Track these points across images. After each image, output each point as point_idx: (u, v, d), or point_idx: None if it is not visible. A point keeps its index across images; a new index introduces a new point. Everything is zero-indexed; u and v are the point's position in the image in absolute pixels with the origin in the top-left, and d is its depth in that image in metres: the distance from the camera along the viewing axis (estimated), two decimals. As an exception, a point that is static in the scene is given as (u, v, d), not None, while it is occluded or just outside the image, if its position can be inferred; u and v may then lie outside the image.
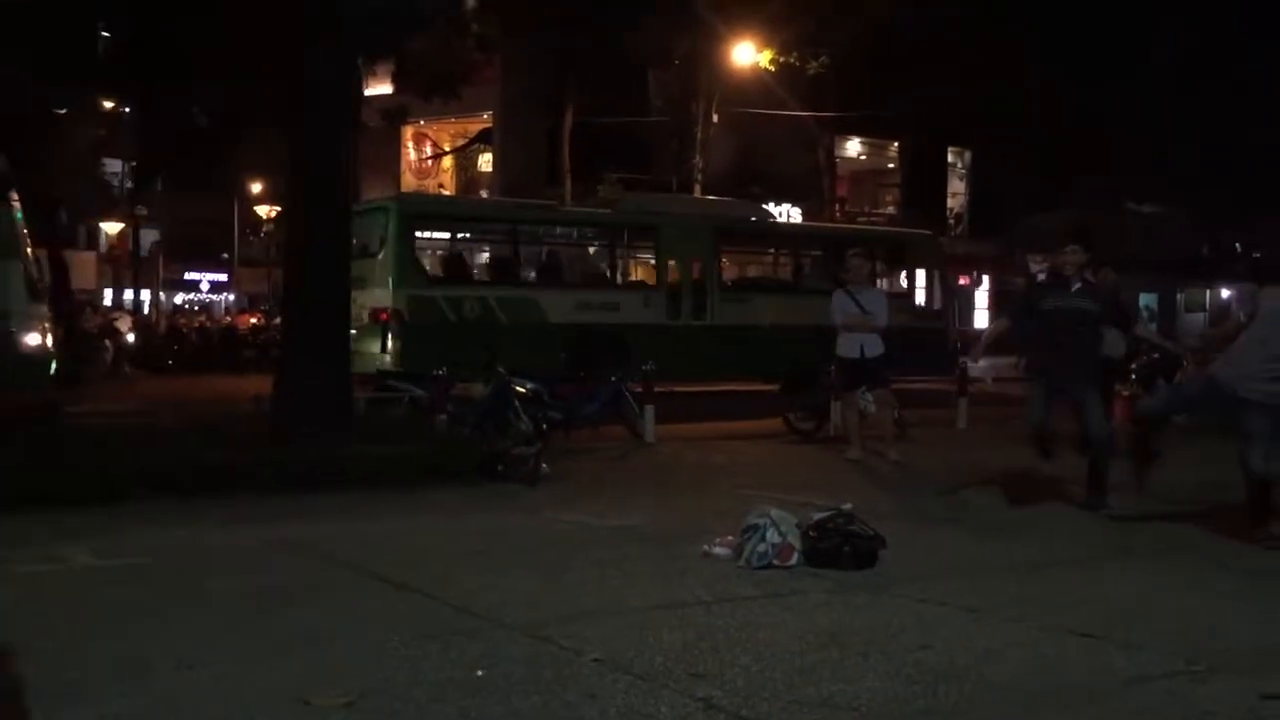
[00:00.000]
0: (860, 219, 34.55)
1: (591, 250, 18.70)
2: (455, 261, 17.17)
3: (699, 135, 26.02)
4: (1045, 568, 6.18)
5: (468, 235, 17.94)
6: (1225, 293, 24.67)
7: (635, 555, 6.29)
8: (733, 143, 27.94)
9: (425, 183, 36.76)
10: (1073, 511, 7.96)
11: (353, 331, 16.04)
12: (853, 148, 35.00)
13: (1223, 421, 7.35)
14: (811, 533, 6.01)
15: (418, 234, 16.47)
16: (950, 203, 36.73)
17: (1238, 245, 28.64)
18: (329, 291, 9.99)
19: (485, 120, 33.25)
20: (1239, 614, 5.15)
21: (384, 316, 15.37)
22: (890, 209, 35.84)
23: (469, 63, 20.07)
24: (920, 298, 20.13)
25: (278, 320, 18.38)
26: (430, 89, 19.10)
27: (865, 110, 27.95)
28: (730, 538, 6.17)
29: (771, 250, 20.09)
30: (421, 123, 33.82)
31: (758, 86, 26.10)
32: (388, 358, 15.09)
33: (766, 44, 24.27)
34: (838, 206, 31.84)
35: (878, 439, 11.01)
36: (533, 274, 17.47)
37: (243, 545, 6.54)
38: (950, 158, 36.29)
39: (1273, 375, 6.79)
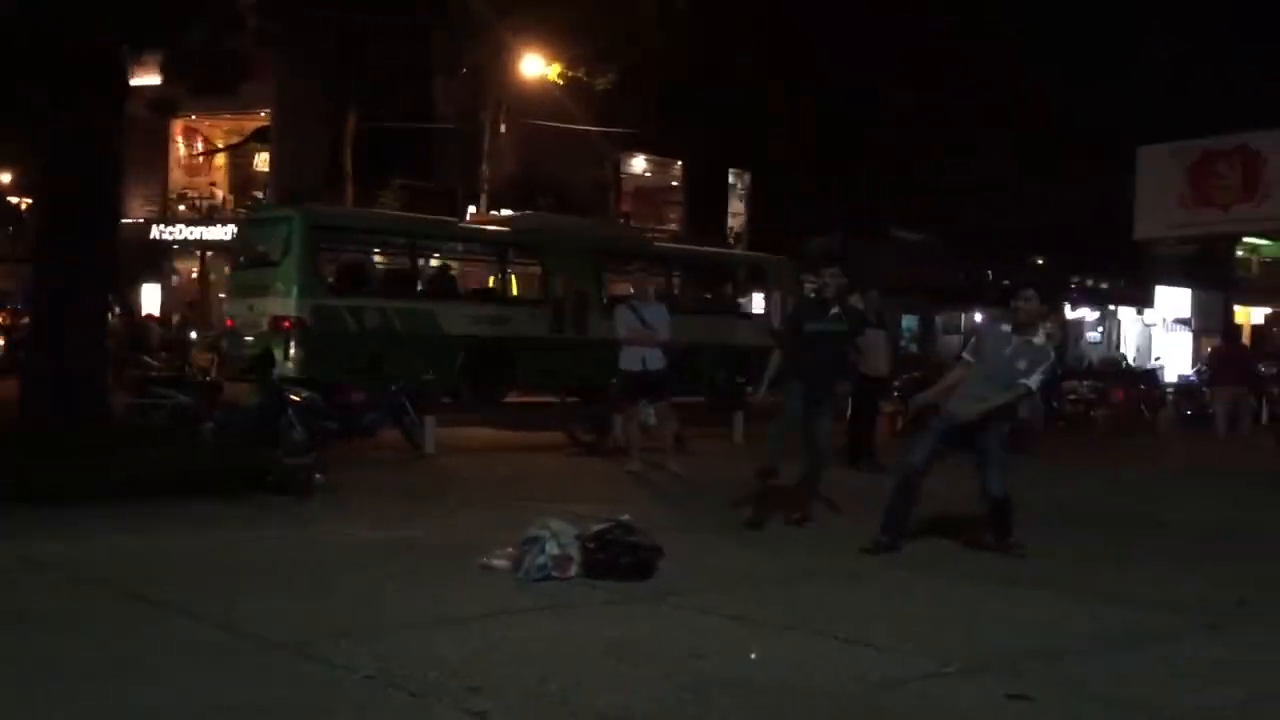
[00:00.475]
0: (645, 235, 35.14)
1: (484, 265, 19.22)
2: (355, 272, 17.31)
3: (486, 145, 25.86)
4: (812, 577, 6.42)
5: (368, 247, 18.19)
6: (978, 316, 26.41)
7: (412, 568, 6.17)
8: (520, 154, 27.90)
9: (195, 180, 35.06)
10: (839, 524, 8.29)
11: (249, 338, 16.53)
12: (638, 164, 35.55)
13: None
14: (590, 544, 6.03)
15: (321, 244, 16.54)
16: (731, 222, 37.80)
17: (989, 273, 30.65)
18: (86, 291, 9.39)
19: (262, 118, 32.01)
20: (988, 620, 5.48)
21: (286, 325, 15.56)
22: (674, 226, 36.58)
23: (245, 58, 19.23)
24: (777, 318, 20.48)
25: (26, 320, 17.18)
26: (202, 83, 18.20)
27: (650, 128, 28.47)
28: (510, 550, 6.13)
29: (646, 269, 20.06)
30: (193, 117, 32.25)
31: (547, 99, 26.19)
32: (289, 365, 15.22)
33: (555, 58, 24.40)
34: (622, 222, 32.27)
35: (658, 451, 11.20)
36: (428, 286, 17.88)
37: (-20, 562, 6.05)
38: (731, 178, 37.35)
39: (979, 395, 7.08)
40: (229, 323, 17.67)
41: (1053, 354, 7.47)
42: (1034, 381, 7.14)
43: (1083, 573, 6.69)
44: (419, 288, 17.60)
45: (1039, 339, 7.31)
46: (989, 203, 30.93)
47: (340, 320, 15.85)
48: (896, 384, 16.11)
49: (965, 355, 7.62)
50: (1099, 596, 6.02)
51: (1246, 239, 29.96)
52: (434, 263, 18.39)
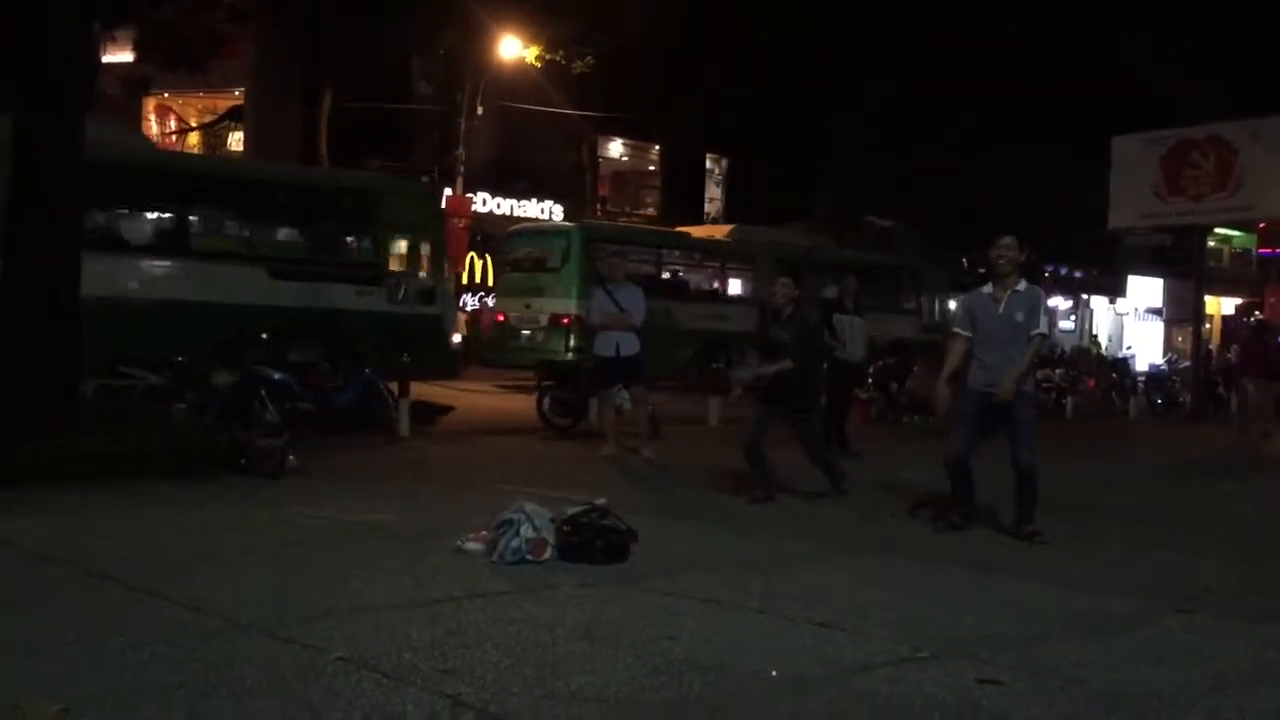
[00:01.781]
0: (621, 219, 35.10)
1: (709, 271, 22.47)
2: None
3: (463, 127, 25.70)
4: (786, 561, 6.44)
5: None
6: (952, 303, 26.53)
7: (384, 551, 6.15)
8: (497, 136, 27.78)
9: (169, 159, 34.74)
10: (813, 507, 8.33)
11: (525, 332, 19.23)
12: (615, 148, 35.48)
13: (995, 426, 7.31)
14: (565, 527, 6.04)
15: (593, 253, 18.78)
16: (708, 208, 37.81)
17: (965, 260, 30.81)
18: (56, 269, 9.27)
19: (236, 97, 31.70)
20: (961, 604, 5.52)
21: (566, 321, 18.75)
22: (651, 210, 36.56)
23: (219, 35, 19.02)
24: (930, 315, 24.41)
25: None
26: (175, 60, 17.98)
27: (628, 112, 28.40)
28: (483, 533, 6.12)
29: (835, 274, 22.31)
30: (166, 95, 31.93)
31: (524, 82, 26.06)
32: (569, 354, 18.00)
33: (533, 40, 24.27)
34: (599, 205, 32.20)
35: (632, 436, 11.20)
36: (668, 288, 20.65)
37: (-53, 543, 5.98)
38: (708, 164, 37.33)
39: (1004, 363, 7.05)
40: (499, 317, 20.64)
41: (1041, 293, 7.31)
42: (1043, 326, 7.09)
43: (1054, 560, 6.75)
44: (663, 289, 19.81)
45: (1022, 285, 7.15)
46: (962, 190, 31.10)
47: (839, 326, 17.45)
48: (871, 370, 16.18)
49: (957, 329, 7.49)
50: (1070, 583, 6.07)
51: (1218, 229, 30.22)
52: (673, 268, 21.69)
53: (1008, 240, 7.13)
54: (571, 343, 18.44)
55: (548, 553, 5.91)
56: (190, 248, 13.49)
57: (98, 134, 10.37)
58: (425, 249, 15.23)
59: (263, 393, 9.87)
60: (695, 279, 22.21)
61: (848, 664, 4.44)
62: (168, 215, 13.61)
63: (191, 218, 13.75)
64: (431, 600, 5.13)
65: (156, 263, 13.01)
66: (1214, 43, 27.12)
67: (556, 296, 19.16)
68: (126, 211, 13.39)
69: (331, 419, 11.19)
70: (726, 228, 24.57)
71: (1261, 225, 35.43)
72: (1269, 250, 40.89)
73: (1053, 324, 28.09)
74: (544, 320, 19.20)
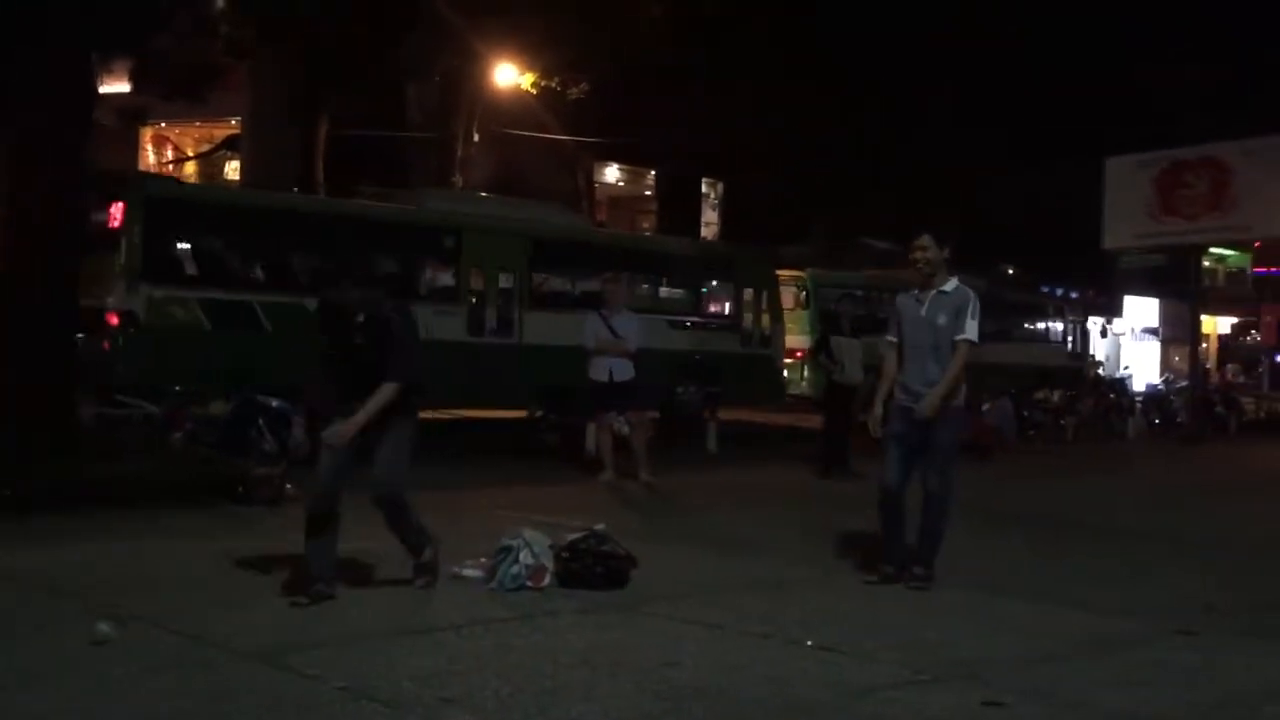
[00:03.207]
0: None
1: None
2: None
3: (459, 153, 25.77)
4: (787, 585, 6.42)
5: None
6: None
7: (383, 579, 6.12)
8: (494, 162, 27.84)
9: (166, 188, 34.81)
10: (813, 530, 8.30)
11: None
12: (611, 174, 35.59)
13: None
14: (564, 554, 6.02)
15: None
16: (704, 232, 37.90)
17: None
18: (55, 301, 9.29)
19: (233, 126, 31.80)
20: (963, 627, 5.50)
21: (799, 355, 19.79)
22: (647, 234, 36.66)
23: (215, 65, 19.10)
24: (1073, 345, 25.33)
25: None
26: (172, 90, 18.04)
27: (624, 138, 28.48)
28: (482, 559, 6.10)
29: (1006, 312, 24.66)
30: (163, 125, 32.03)
31: (520, 107, 26.16)
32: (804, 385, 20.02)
33: (528, 67, 24.36)
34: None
35: (631, 461, 11.18)
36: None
37: (-56, 574, 5.96)
38: (704, 188, 37.43)
39: (924, 381, 6.34)
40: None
41: (972, 295, 6.44)
42: (971, 332, 6.28)
43: (1054, 580, 6.73)
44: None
45: (949, 285, 6.42)
46: (958, 212, 31.16)
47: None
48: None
49: (888, 338, 6.66)
50: (1070, 603, 6.05)
51: (1213, 249, 30.27)
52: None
53: (924, 240, 6.46)
54: (806, 373, 19.88)
55: (547, 579, 5.89)
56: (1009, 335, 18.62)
57: (545, 213, 16.33)
58: (765, 301, 18.31)
59: (260, 421, 9.85)
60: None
61: (851, 687, 4.42)
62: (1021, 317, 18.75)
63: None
64: (431, 628, 5.11)
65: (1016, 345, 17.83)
66: (1209, 61, 27.18)
67: (801, 335, 20.37)
68: (574, 277, 16.31)
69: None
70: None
71: (1257, 244, 35.55)
72: (1264, 269, 41.02)
73: (1084, 339, 28.33)
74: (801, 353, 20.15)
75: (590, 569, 5.96)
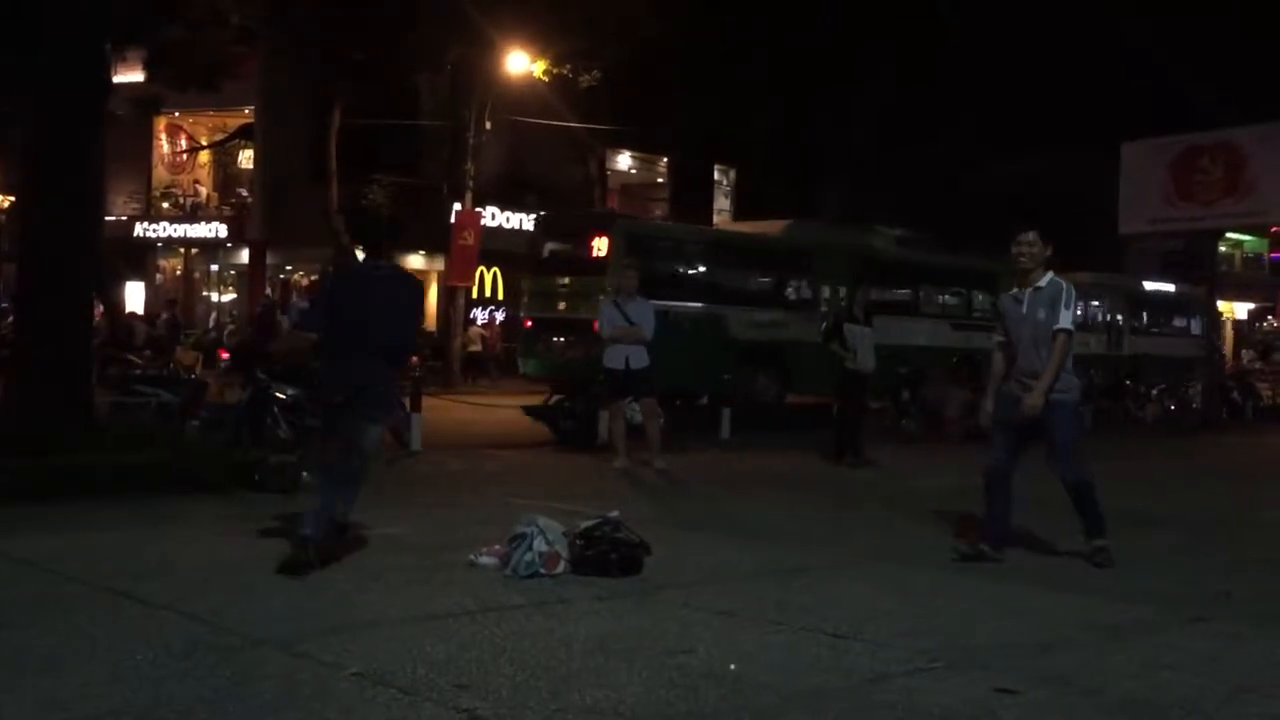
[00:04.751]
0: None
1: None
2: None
3: (471, 141, 25.74)
4: (801, 572, 6.42)
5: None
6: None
7: (398, 566, 6.15)
8: (506, 150, 27.83)
9: (179, 178, 34.91)
10: (827, 517, 8.31)
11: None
12: (624, 161, 35.53)
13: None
14: (579, 541, 6.03)
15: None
16: (716, 218, 37.84)
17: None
18: (70, 289, 9.33)
19: (246, 115, 31.88)
20: (977, 614, 5.50)
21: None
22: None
23: (228, 54, 19.12)
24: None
25: (11, 320, 17.17)
26: (185, 80, 18.08)
27: (636, 125, 28.42)
28: (497, 546, 6.12)
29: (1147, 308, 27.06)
30: (176, 114, 32.12)
31: (532, 95, 26.11)
32: None
33: (540, 55, 24.30)
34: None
35: (644, 448, 11.19)
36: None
37: (-36, 562, 6.01)
38: (716, 175, 37.35)
39: (1028, 374, 6.63)
40: None
41: (1066, 286, 6.66)
42: (1066, 321, 6.52)
43: (1068, 567, 6.71)
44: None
45: (1044, 280, 6.67)
46: (970, 194, 31.06)
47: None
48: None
49: (996, 337, 7.06)
50: (1087, 590, 6.04)
51: (1230, 234, 30.09)
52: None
53: (1029, 236, 6.69)
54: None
55: (561, 566, 5.91)
56: (919, 311, 20.25)
57: (870, 238, 19.91)
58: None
59: (275, 409, 9.91)
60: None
61: (864, 674, 4.42)
62: (907, 291, 20.25)
63: (920, 292, 20.55)
64: (446, 614, 5.13)
65: (908, 321, 19.41)
66: (1226, 44, 26.99)
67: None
68: (885, 289, 18.91)
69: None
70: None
71: (1274, 229, 35.32)
72: (1281, 254, 40.81)
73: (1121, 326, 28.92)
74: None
75: (605, 556, 5.97)
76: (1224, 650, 4.91)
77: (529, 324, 17.80)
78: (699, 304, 16.92)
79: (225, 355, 22.14)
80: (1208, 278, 23.62)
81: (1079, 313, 6.68)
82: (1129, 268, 34.97)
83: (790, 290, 18.60)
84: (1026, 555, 7.00)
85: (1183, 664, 4.67)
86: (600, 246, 16.30)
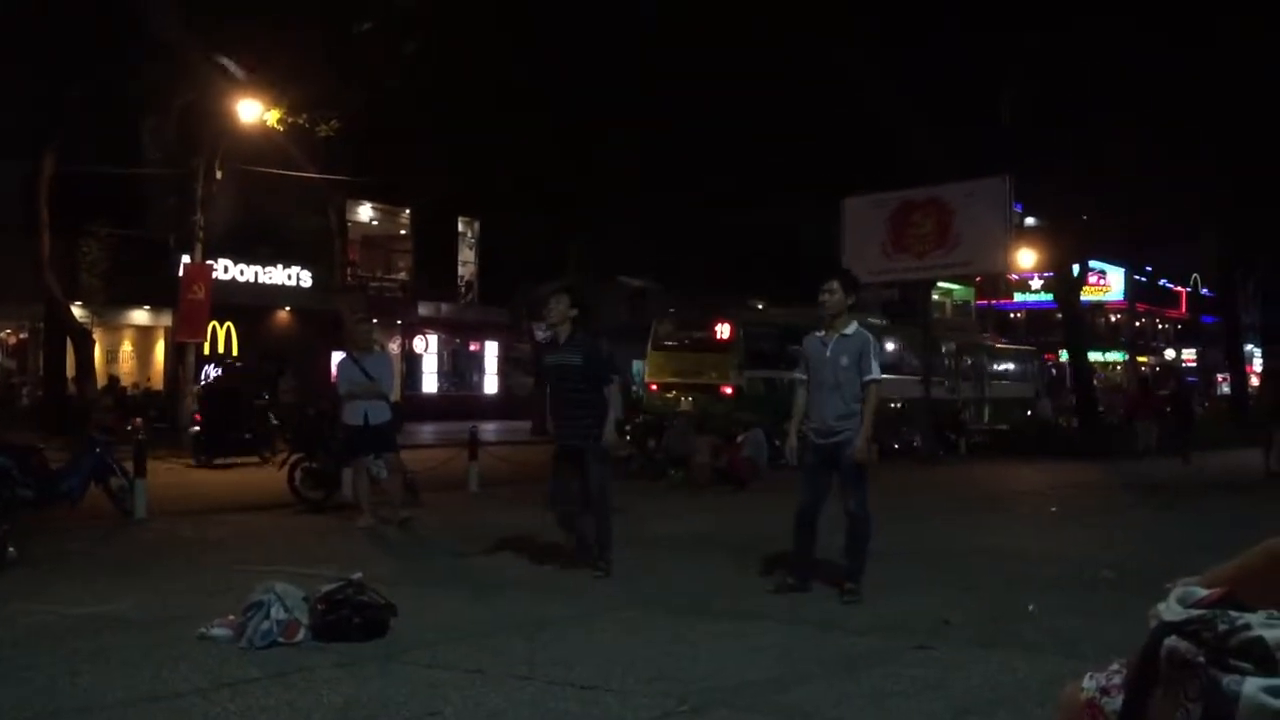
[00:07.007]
0: (372, 284, 34.40)
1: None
2: None
3: (200, 191, 24.54)
4: (548, 625, 6.39)
5: None
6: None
7: (119, 644, 5.71)
8: (240, 200, 26.69)
9: None
10: (570, 571, 8.31)
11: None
12: (365, 212, 34.85)
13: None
14: (320, 605, 5.79)
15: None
16: (461, 270, 37.63)
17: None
18: None
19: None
20: (723, 653, 5.62)
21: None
22: (403, 275, 36.04)
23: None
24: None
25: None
26: None
27: (376, 176, 27.94)
28: (230, 617, 5.80)
29: None
30: None
31: (267, 144, 25.21)
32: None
33: (274, 102, 23.51)
34: (349, 270, 31.48)
35: (388, 505, 10.91)
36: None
37: None
38: (460, 227, 37.19)
39: (841, 414, 7.05)
40: None
41: (870, 338, 7.17)
42: (876, 372, 6.99)
43: (805, 601, 6.98)
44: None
45: (850, 329, 7.10)
46: (709, 247, 32.20)
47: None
48: (628, 428, 16.45)
49: (797, 374, 7.42)
50: (821, 624, 6.30)
51: (940, 283, 32.51)
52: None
53: (832, 284, 7.06)
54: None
55: (301, 634, 5.65)
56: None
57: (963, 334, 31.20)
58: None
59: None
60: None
61: (613, 724, 4.43)
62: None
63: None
64: (173, 693, 4.80)
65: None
66: (942, 101, 28.96)
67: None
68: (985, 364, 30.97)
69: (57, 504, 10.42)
70: None
71: (978, 279, 38.52)
72: (984, 301, 44.58)
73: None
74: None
75: (347, 620, 5.76)
76: (946, 675, 5.21)
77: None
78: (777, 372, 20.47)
79: None
80: (924, 325, 25.36)
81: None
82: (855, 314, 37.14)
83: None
84: (767, 596, 7.23)
85: (911, 690, 4.93)
86: (726, 332, 22.65)
